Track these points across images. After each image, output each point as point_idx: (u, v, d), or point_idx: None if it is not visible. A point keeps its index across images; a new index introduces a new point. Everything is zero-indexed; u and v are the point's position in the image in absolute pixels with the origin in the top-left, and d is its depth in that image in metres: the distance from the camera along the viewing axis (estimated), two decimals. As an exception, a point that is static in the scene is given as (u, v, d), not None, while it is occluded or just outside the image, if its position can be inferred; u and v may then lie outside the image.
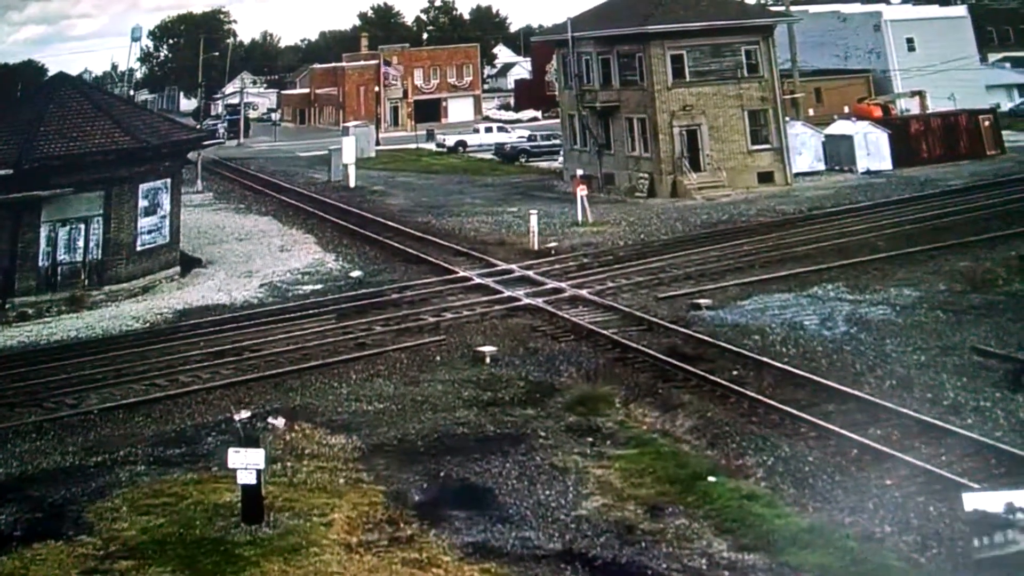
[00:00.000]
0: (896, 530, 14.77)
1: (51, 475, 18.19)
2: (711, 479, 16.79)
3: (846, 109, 65.09)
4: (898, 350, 21.98)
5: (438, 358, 23.85)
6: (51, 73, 78.27)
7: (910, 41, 72.13)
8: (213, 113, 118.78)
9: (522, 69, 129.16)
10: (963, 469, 16.19)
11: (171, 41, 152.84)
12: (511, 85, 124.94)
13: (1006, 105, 74.24)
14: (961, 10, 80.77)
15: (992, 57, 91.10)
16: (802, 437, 18.04)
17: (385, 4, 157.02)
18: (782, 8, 60.30)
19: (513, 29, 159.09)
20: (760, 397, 19.72)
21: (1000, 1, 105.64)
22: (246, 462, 15.66)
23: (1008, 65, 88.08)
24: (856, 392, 19.55)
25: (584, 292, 28.55)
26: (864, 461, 16.90)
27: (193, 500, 16.64)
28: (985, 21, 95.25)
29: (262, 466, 15.73)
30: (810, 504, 15.81)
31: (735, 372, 21.32)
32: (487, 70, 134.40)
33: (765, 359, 21.83)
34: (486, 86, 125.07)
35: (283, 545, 15.11)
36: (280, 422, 19.73)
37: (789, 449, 17.64)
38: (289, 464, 17.91)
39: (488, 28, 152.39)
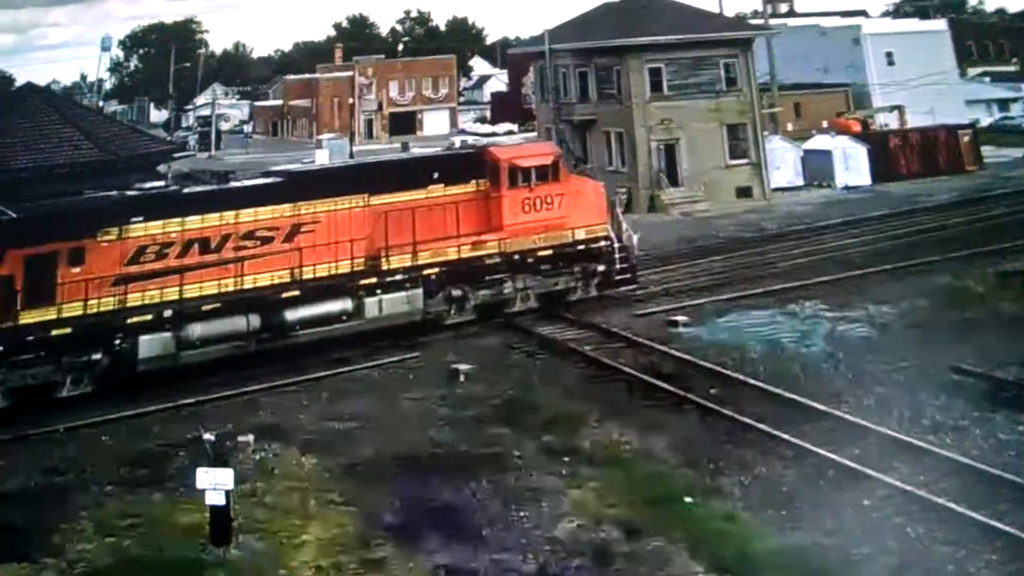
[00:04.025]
0: (874, 551, 14.59)
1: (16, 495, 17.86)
2: (687, 500, 16.58)
3: (825, 124, 65.22)
4: (877, 368, 21.88)
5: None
6: (19, 83, 77.77)
7: (889, 55, 72.42)
8: (184, 125, 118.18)
9: (499, 82, 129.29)
10: (941, 489, 16.03)
11: (142, 51, 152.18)
12: (487, 98, 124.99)
13: (985, 120, 74.79)
14: (941, 24, 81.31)
15: (972, 71, 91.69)
16: (779, 457, 17.88)
17: (360, 15, 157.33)
18: (761, 21, 60.49)
19: (490, 41, 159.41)
20: (737, 416, 19.53)
21: (980, 15, 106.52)
22: (215, 482, 15.40)
23: (988, 80, 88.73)
24: (834, 411, 19.40)
25: (572, 309, 28.29)
26: (842, 481, 16.74)
27: (161, 521, 16.36)
28: (965, 35, 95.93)
29: (231, 486, 15.47)
30: (787, 525, 15.62)
31: (712, 390, 21.15)
32: (463, 82, 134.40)
33: (743, 377, 21.69)
34: (462, 99, 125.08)
35: (252, 567, 14.88)
36: (249, 440, 19.42)
37: (766, 469, 17.48)
38: (259, 484, 17.61)
39: (464, 40, 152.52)
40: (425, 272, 26.38)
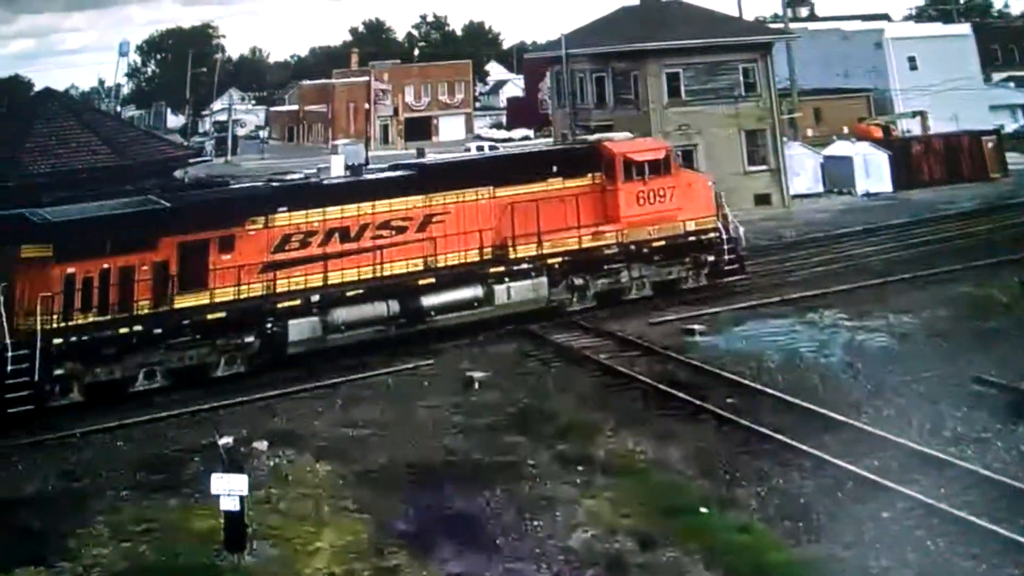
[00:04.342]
0: (893, 565, 14.43)
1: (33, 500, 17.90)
2: (703, 510, 16.44)
3: (845, 129, 64.70)
4: (897, 379, 21.63)
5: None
6: (38, 88, 78.12)
7: (912, 60, 71.77)
8: (201, 130, 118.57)
9: (515, 87, 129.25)
10: (963, 502, 15.83)
11: (159, 56, 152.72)
12: (503, 103, 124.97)
13: (1010, 126, 73.90)
14: (965, 28, 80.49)
15: (996, 76, 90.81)
16: (797, 468, 17.70)
17: (376, 20, 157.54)
18: (781, 25, 60.12)
19: (506, 46, 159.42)
20: (754, 426, 19.37)
21: (1006, 19, 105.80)
22: (229, 488, 15.38)
23: (1012, 85, 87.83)
24: (853, 422, 19.21)
25: (577, 317, 28.21)
26: (861, 493, 16.57)
27: (176, 527, 16.36)
28: (989, 39, 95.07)
29: (245, 492, 15.45)
30: (804, 537, 15.47)
31: (729, 400, 20.99)
32: (479, 87, 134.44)
33: (760, 387, 21.53)
34: (478, 104, 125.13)
35: (266, 574, 14.88)
36: (263, 446, 19.37)
37: (783, 480, 17.32)
38: (273, 491, 17.56)
39: (481, 45, 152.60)
40: (549, 261, 27.71)
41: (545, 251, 27.64)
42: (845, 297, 28.55)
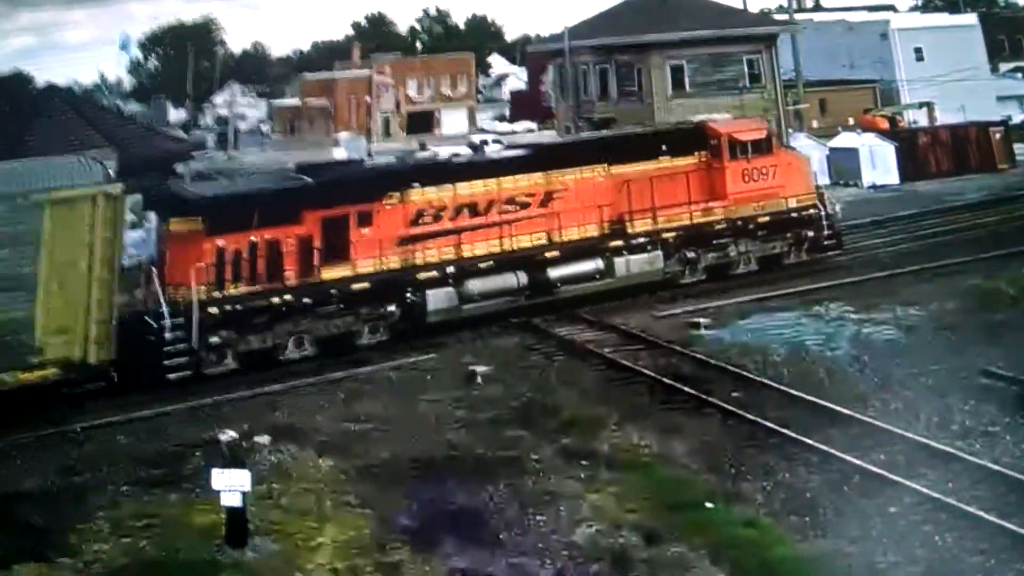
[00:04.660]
0: (901, 560, 14.32)
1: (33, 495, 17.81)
2: (708, 505, 16.34)
3: (851, 121, 64.37)
4: (904, 372, 21.51)
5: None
6: (39, 84, 78.05)
7: (918, 51, 71.45)
8: (202, 124, 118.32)
9: (517, 80, 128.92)
10: (971, 497, 15.71)
11: (160, 51, 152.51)
12: (506, 96, 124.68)
13: (1017, 117, 73.45)
14: (971, 18, 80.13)
15: (1003, 67, 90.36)
16: (803, 462, 17.59)
17: (378, 13, 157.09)
18: (786, 17, 59.89)
19: (509, 39, 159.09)
20: (760, 420, 19.27)
21: (1012, 9, 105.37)
22: (231, 483, 15.28)
23: (1020, 75, 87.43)
24: (860, 416, 19.08)
25: (579, 310, 28.05)
26: (867, 487, 16.45)
27: (177, 522, 16.27)
28: (996, 30, 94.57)
29: (247, 487, 15.34)
30: (811, 532, 15.39)
31: (734, 394, 20.88)
32: (481, 80, 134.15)
33: (766, 381, 21.42)
34: (480, 97, 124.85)
35: (268, 569, 14.78)
36: (265, 441, 19.27)
37: (789, 474, 17.22)
38: (275, 486, 17.45)
39: (483, 38, 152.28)
40: (663, 236, 29.05)
41: (660, 226, 29.00)
42: (851, 290, 28.42)
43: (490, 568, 14.68)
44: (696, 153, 30.04)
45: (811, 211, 31.28)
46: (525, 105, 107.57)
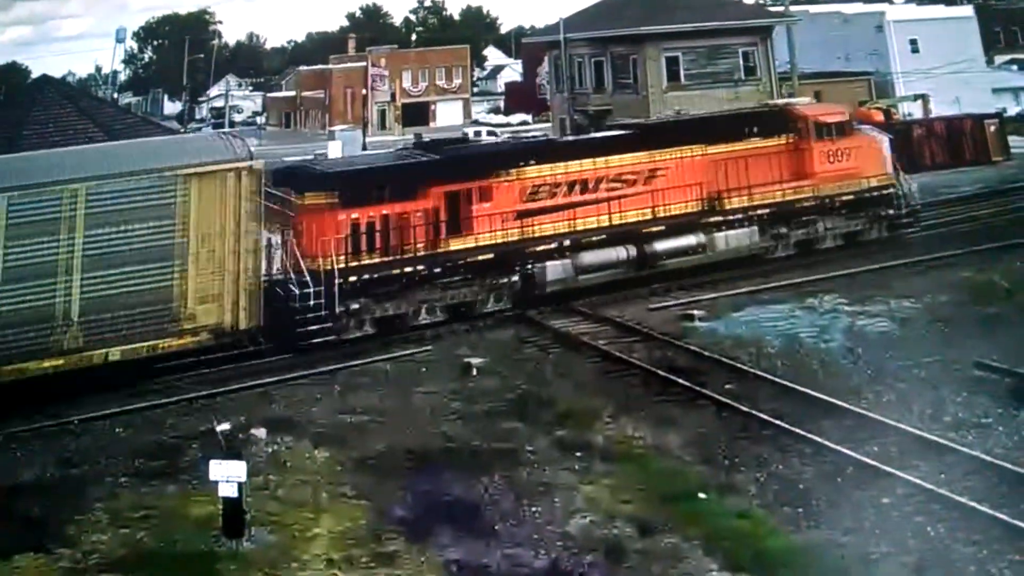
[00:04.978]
0: (893, 551, 14.39)
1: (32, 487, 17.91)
2: (702, 496, 16.41)
3: (847, 113, 64.23)
4: (897, 364, 21.56)
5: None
6: (35, 75, 77.89)
7: (913, 42, 71.27)
8: (198, 116, 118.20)
9: (513, 72, 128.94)
10: (963, 488, 15.79)
11: (155, 43, 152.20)
12: (501, 88, 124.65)
13: (1012, 109, 73.55)
14: (967, 10, 79.89)
15: (999, 59, 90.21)
16: (797, 453, 17.66)
17: (373, 5, 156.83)
18: (781, 8, 59.78)
19: (504, 31, 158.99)
20: (754, 412, 19.33)
21: (1008, 1, 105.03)
22: (227, 475, 15.35)
23: (1015, 67, 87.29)
24: (853, 407, 19.15)
25: (576, 303, 28.10)
26: (860, 479, 16.52)
27: (175, 513, 16.38)
28: (992, 22, 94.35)
29: (243, 478, 15.43)
30: (804, 523, 15.44)
31: (728, 386, 20.93)
32: (477, 72, 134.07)
33: (760, 372, 21.47)
34: (475, 89, 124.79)
35: (265, 560, 14.87)
36: (262, 432, 19.32)
37: (783, 466, 17.27)
38: (271, 477, 17.55)
39: (479, 30, 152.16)
40: (757, 212, 30.53)
41: (754, 203, 30.47)
42: (845, 282, 28.45)
43: (485, 559, 14.73)
44: (783, 135, 31.57)
45: (889, 190, 32.67)
46: (520, 97, 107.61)
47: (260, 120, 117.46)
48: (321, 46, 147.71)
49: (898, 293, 26.87)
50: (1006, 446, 17.38)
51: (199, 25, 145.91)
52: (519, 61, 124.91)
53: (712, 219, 30.00)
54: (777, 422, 18.74)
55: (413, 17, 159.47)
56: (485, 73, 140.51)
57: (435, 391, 21.85)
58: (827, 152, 31.70)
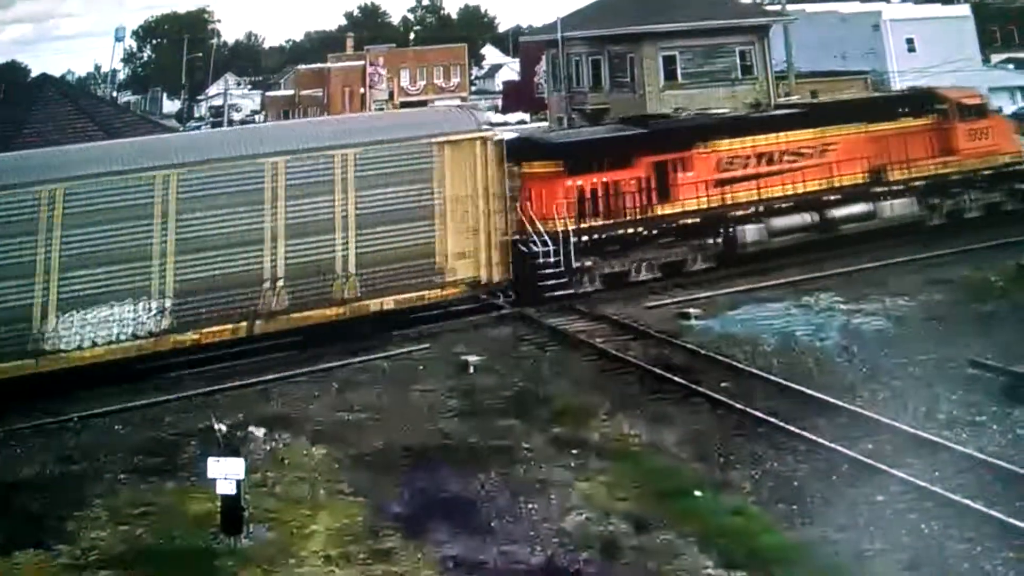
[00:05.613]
0: (887, 547, 14.48)
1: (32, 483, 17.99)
2: (697, 493, 16.49)
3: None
4: (892, 362, 21.65)
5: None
6: (35, 74, 77.81)
7: (910, 41, 71.25)
8: (196, 115, 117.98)
9: (510, 71, 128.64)
10: (957, 485, 15.88)
11: (154, 41, 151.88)
12: (499, 87, 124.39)
13: (1009, 108, 73.31)
14: (964, 9, 79.78)
15: (995, 58, 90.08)
16: (791, 451, 17.75)
17: (371, 4, 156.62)
18: (779, 8, 59.78)
19: (502, 29, 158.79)
20: (749, 409, 19.40)
21: (1005, 0, 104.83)
22: (225, 472, 15.43)
23: (1012, 67, 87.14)
24: (848, 405, 19.23)
25: (567, 300, 28.00)
26: (855, 476, 16.62)
27: (173, 510, 16.48)
28: (989, 21, 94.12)
29: (242, 476, 15.50)
30: (798, 520, 15.53)
31: (724, 383, 21.01)
32: (475, 71, 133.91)
33: (755, 370, 21.55)
34: (473, 88, 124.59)
35: (263, 556, 14.94)
36: (260, 431, 19.40)
37: (778, 463, 17.37)
38: (269, 474, 17.63)
39: (476, 28, 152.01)
40: (915, 183, 33.13)
41: (911, 176, 33.07)
42: (841, 280, 28.55)
43: (481, 555, 14.79)
44: (929, 116, 34.20)
45: (1020, 166, 35.41)
46: (518, 96, 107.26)
47: (259, 118, 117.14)
48: (320, 45, 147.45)
49: (893, 291, 26.92)
50: (1000, 444, 17.46)
51: (198, 24, 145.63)
52: (517, 60, 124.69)
53: (878, 189, 32.56)
54: (772, 420, 18.81)
55: (411, 16, 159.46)
56: (483, 72, 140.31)
57: (433, 388, 21.90)
58: (969, 131, 34.31)
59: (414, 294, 25.33)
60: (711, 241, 30.28)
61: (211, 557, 15.00)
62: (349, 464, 18.12)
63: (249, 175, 23.87)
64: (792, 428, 18.38)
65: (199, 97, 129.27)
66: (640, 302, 27.82)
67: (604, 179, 28.94)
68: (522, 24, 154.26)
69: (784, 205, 31.20)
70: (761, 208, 30.76)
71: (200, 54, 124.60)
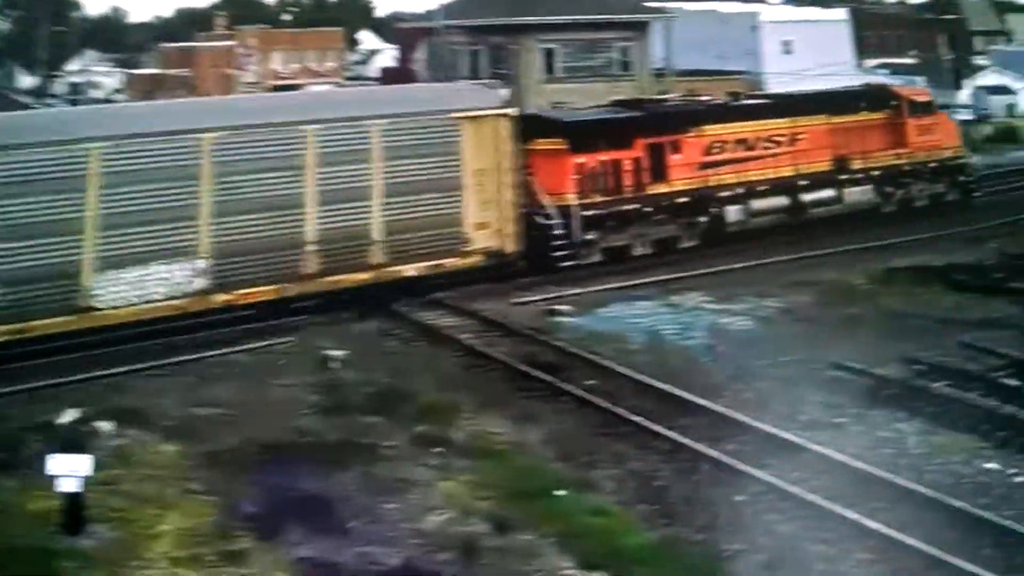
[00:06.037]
0: (745, 548, 14.49)
1: None
2: (559, 493, 16.31)
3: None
4: (757, 362, 21.85)
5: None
6: None
7: (787, 43, 72.69)
8: (54, 92, 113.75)
9: (388, 57, 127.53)
10: (815, 486, 15.97)
11: (11, 13, 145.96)
12: (376, 73, 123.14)
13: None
14: (841, 13, 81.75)
15: (870, 63, 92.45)
16: (655, 451, 17.70)
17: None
18: (659, 5, 60.25)
19: (380, 14, 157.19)
20: (614, 408, 19.31)
21: (880, 5, 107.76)
22: (67, 469, 14.72)
23: (886, 71, 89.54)
24: (712, 405, 19.27)
25: (440, 294, 27.64)
26: (716, 476, 16.64)
27: (12, 508, 15.70)
28: (866, 26, 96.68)
29: (85, 472, 14.80)
30: (659, 520, 15.51)
31: (590, 382, 20.90)
32: (351, 56, 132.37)
33: (622, 369, 21.45)
34: (349, 73, 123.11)
35: (106, 558, 14.31)
36: (107, 426, 18.60)
37: (641, 463, 17.30)
38: (116, 472, 16.88)
39: (353, 13, 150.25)
40: (872, 172, 35.98)
41: (868, 165, 35.84)
42: (710, 280, 28.78)
43: (337, 557, 14.39)
44: (884, 110, 37.13)
45: (960, 161, 38.89)
46: (395, 82, 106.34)
47: (120, 97, 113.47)
48: (190, 22, 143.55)
49: (761, 292, 27.25)
50: (859, 446, 17.62)
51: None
52: (396, 47, 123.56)
53: (841, 176, 35.08)
54: (636, 419, 18.72)
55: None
56: (360, 57, 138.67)
57: (293, 384, 21.32)
58: (918, 126, 37.28)
59: (437, 262, 26.81)
60: (700, 219, 32.15)
61: (50, 557, 14.23)
62: (201, 462, 17.46)
63: (291, 141, 25.01)
64: (656, 428, 18.32)
65: (57, 73, 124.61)
66: (509, 298, 27.53)
67: (604, 158, 30.50)
68: (401, 10, 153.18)
69: (762, 188, 33.31)
70: (742, 190, 32.78)
71: (62, 28, 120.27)
